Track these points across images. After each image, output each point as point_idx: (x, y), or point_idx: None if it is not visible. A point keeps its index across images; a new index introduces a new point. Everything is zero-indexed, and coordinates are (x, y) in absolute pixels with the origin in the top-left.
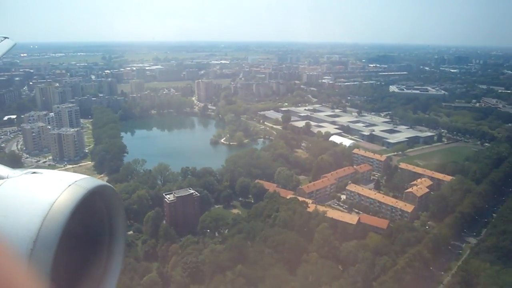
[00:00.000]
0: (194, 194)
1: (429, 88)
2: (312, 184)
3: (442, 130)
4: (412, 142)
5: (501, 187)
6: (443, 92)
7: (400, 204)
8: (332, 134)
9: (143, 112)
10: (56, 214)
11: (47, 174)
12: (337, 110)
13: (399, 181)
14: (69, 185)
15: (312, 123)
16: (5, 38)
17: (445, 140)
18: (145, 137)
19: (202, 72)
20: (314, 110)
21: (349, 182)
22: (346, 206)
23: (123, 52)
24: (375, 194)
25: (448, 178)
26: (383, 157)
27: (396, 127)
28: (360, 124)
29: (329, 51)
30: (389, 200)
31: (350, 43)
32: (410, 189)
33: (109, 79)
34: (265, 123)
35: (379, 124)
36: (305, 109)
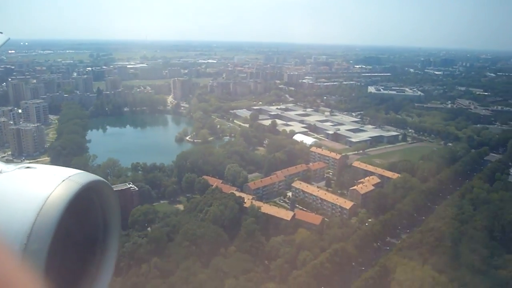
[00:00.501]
0: (131, 188)
1: (406, 89)
2: (260, 181)
3: (410, 130)
4: (376, 141)
5: (449, 186)
6: (419, 93)
7: (340, 201)
8: (297, 133)
9: (115, 110)
10: (50, 209)
11: (40, 169)
12: (309, 110)
13: (347, 179)
14: (63, 180)
15: (281, 121)
16: None
17: (410, 139)
18: (112, 134)
19: (186, 71)
20: (286, 109)
21: (296, 179)
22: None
23: (113, 50)
24: (318, 191)
25: (397, 176)
26: (338, 156)
27: (362, 127)
28: (328, 123)
29: (320, 52)
30: (330, 197)
31: (344, 45)
32: (355, 187)
33: (85, 76)
34: (235, 121)
35: (347, 124)
36: (277, 108)
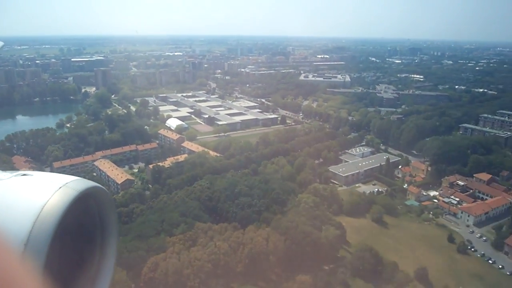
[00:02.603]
0: None
1: (338, 76)
2: (69, 160)
3: (300, 114)
4: (252, 124)
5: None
6: (346, 79)
7: (118, 177)
8: (172, 117)
9: (24, 100)
10: (47, 216)
11: (37, 176)
12: (213, 96)
13: (164, 158)
14: (60, 187)
15: (173, 107)
16: None
17: (290, 122)
18: (5, 123)
19: (135, 63)
20: (192, 96)
21: (99, 158)
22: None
23: (88, 45)
24: (109, 168)
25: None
26: (176, 137)
27: (247, 111)
28: (217, 109)
29: (300, 44)
30: (113, 173)
31: (333, 37)
32: (151, 165)
33: (7, 68)
34: (131, 107)
35: (235, 108)
36: (182, 95)
